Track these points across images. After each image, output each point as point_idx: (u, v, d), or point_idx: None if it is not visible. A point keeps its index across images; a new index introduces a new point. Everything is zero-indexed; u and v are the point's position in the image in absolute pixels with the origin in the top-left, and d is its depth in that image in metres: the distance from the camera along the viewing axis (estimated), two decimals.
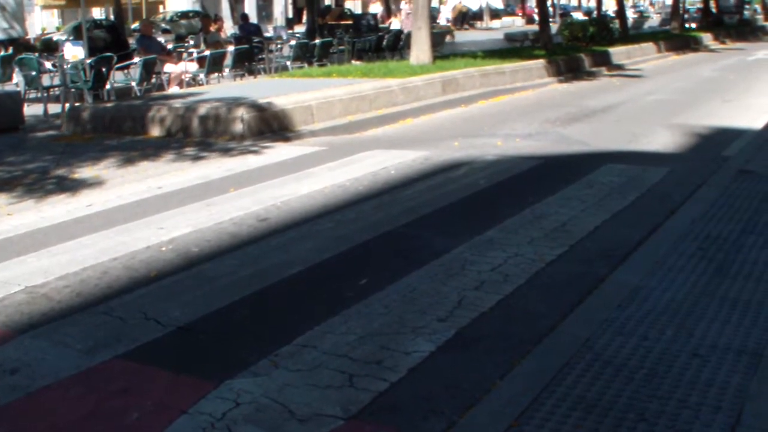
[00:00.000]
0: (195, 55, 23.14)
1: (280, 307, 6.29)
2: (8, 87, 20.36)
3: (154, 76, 20.84)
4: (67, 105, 18.18)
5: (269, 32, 33.55)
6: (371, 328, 5.73)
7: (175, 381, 5.08)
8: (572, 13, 67.92)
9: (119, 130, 15.23)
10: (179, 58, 22.59)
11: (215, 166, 11.89)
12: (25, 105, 18.16)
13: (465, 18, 71.33)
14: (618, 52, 30.85)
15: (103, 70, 19.24)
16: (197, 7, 60.63)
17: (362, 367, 5.13)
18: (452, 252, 7.46)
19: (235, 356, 5.35)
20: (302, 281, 6.90)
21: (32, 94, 20.11)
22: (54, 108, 18.68)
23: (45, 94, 19.45)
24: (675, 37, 41.75)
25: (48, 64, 21.04)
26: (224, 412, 4.60)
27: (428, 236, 8.02)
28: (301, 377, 5.02)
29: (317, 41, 27.72)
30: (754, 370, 4.73)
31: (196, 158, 12.58)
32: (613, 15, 45.86)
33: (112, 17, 31.63)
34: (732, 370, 4.73)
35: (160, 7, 64.17)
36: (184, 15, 55.90)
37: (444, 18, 66.47)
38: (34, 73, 19.33)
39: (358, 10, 69.29)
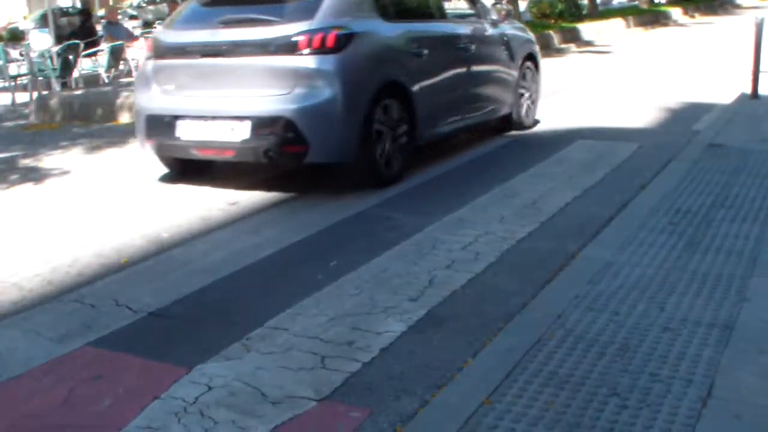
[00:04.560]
0: None
1: (251, 291, 6.27)
2: None
3: (122, 62, 20.73)
4: (35, 94, 18.10)
5: None
6: (342, 310, 5.72)
7: (147, 367, 5.05)
8: None
9: (88, 117, 15.17)
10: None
11: None
12: None
13: None
14: (587, 29, 30.91)
15: (71, 57, 19.12)
16: None
17: (334, 349, 5.12)
18: (423, 231, 7.46)
19: (207, 341, 5.33)
20: (273, 264, 6.88)
21: (0, 84, 20.00)
22: (22, 97, 18.61)
23: (12, 84, 19.34)
24: (644, 12, 41.80)
25: (15, 53, 20.91)
26: (197, 397, 4.59)
27: (399, 216, 8.01)
28: (272, 360, 5.00)
29: None
30: (725, 342, 4.74)
31: None
32: None
33: (78, 4, 31.42)
34: (703, 343, 4.74)
35: None
36: (151, 1, 55.57)
37: None
38: (1, 62, 19.20)
39: None
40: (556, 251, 6.81)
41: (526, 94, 12.47)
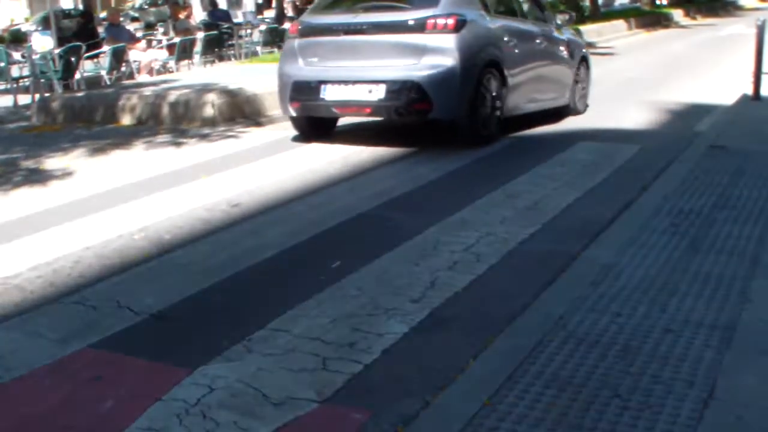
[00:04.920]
0: (164, 42, 23.05)
1: (252, 292, 6.27)
2: None
3: (123, 64, 20.74)
4: (37, 96, 18.09)
5: (238, 18, 33.44)
6: (344, 311, 5.72)
7: (149, 369, 5.05)
8: None
9: (90, 119, 15.16)
10: (149, 46, 22.49)
11: (187, 153, 11.85)
12: None
13: None
14: (589, 30, 30.93)
15: (73, 59, 19.13)
16: None
17: (335, 350, 5.12)
18: (424, 233, 7.46)
19: (209, 342, 5.33)
20: (275, 266, 6.88)
21: (1, 86, 20.00)
22: (24, 99, 18.58)
23: (14, 85, 19.33)
24: (646, 14, 41.85)
25: (17, 55, 20.92)
26: (198, 398, 4.59)
27: (400, 218, 8.01)
28: (274, 361, 5.00)
29: (287, 26, 27.62)
30: (727, 344, 4.74)
31: (168, 145, 12.53)
32: None
33: (80, 6, 31.46)
34: (705, 344, 4.74)
35: None
36: (153, 2, 55.61)
37: None
38: (2, 64, 19.21)
39: None
40: (558, 252, 6.81)
41: (580, 87, 14.42)
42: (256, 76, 16.60)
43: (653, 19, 40.68)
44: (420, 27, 10.85)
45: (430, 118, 11.02)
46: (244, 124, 13.98)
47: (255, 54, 25.51)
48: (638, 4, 49.29)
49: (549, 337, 4.90)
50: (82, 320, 5.82)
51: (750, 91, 13.99)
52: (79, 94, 16.72)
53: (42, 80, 19.30)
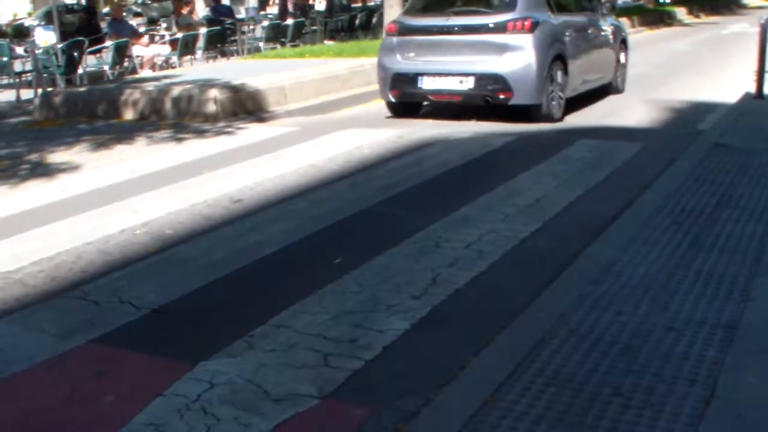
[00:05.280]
0: (167, 37, 23.05)
1: (254, 288, 6.28)
2: None
3: (126, 59, 20.73)
4: (40, 90, 18.09)
5: (241, 14, 33.43)
6: (345, 307, 5.72)
7: (150, 364, 5.06)
8: None
9: (92, 114, 15.16)
10: (151, 41, 22.48)
11: (189, 148, 11.85)
12: None
13: None
14: None
15: (75, 54, 19.13)
16: None
17: (337, 346, 5.12)
18: (426, 230, 7.45)
19: (210, 338, 5.33)
20: (276, 262, 6.88)
21: (4, 80, 20.02)
22: (27, 93, 18.58)
23: (17, 80, 19.32)
24: (649, 12, 41.80)
25: (19, 50, 20.91)
26: (199, 394, 4.59)
27: (402, 214, 8.01)
28: (275, 357, 5.00)
29: (289, 22, 27.62)
30: (729, 342, 4.73)
31: (170, 140, 12.54)
32: None
33: (83, 1, 31.45)
34: (707, 343, 4.73)
35: None
36: None
37: None
38: (5, 59, 19.19)
39: None
40: (560, 250, 6.81)
41: (621, 69, 16.47)
42: (259, 72, 16.59)
43: (656, 17, 40.64)
44: (501, 28, 12.90)
45: (511, 104, 12.89)
46: (246, 120, 13.98)
47: (257, 50, 25.50)
48: (641, 2, 49.20)
49: (550, 334, 4.90)
50: (83, 315, 5.83)
51: (753, 89, 13.97)
52: (82, 89, 16.72)
53: (45, 75, 19.31)
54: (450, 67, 13.23)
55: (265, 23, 28.04)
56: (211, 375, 4.81)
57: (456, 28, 13.32)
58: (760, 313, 5.11)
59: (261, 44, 25.93)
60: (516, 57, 12.74)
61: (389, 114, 14.37)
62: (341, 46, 22.62)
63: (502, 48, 12.82)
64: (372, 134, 12.32)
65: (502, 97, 12.85)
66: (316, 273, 6.48)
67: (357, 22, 30.84)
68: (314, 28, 29.82)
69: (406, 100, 14.05)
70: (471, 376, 4.53)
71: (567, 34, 13.70)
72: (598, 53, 15.19)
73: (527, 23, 12.79)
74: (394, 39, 13.99)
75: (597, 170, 9.51)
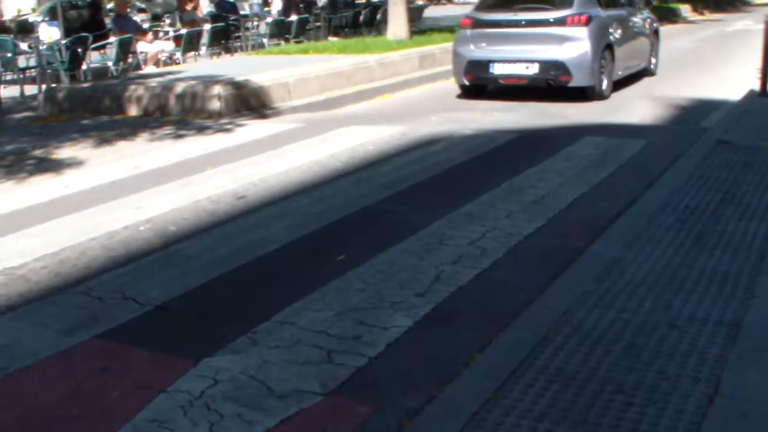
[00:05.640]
0: (171, 33, 23.03)
1: (258, 285, 6.28)
2: None
3: (130, 55, 20.72)
4: (44, 86, 18.05)
5: (245, 10, 33.40)
6: (349, 304, 5.73)
7: (153, 360, 5.06)
8: None
9: (96, 110, 15.15)
10: (155, 37, 22.47)
11: (193, 145, 11.85)
12: (2, 87, 18.08)
13: None
14: None
15: (79, 50, 19.11)
16: None
17: (340, 343, 5.12)
18: (430, 227, 7.46)
19: (214, 334, 5.33)
20: (280, 258, 6.89)
21: (8, 76, 19.96)
22: (31, 89, 18.57)
23: (21, 76, 19.30)
24: (653, 9, 41.66)
25: (24, 46, 20.90)
26: (203, 390, 4.59)
27: (406, 211, 8.01)
28: (279, 354, 5.01)
29: (293, 18, 27.60)
30: (733, 340, 4.73)
31: (174, 137, 12.54)
32: None
33: None
34: (710, 341, 4.73)
35: None
36: None
37: None
38: (9, 54, 19.17)
39: None
40: (563, 247, 6.81)
41: (654, 56, 19.04)
42: (262, 68, 16.58)
43: (661, 14, 40.34)
44: (561, 22, 15.01)
45: (570, 86, 14.99)
46: (250, 117, 13.98)
47: (262, 46, 25.48)
48: None
49: (554, 332, 4.90)
50: (87, 311, 5.83)
51: (757, 86, 13.96)
52: (86, 85, 16.71)
53: (49, 71, 19.29)
54: (517, 55, 15.35)
55: (269, 19, 28.02)
56: (215, 371, 4.81)
57: (522, 22, 15.40)
58: (764, 311, 5.11)
59: (265, 40, 25.90)
60: (574, 46, 14.85)
61: (460, 93, 16.35)
62: (345, 43, 22.63)
63: (562, 39, 14.96)
64: (376, 131, 12.32)
65: (562, 80, 15.01)
66: (320, 270, 6.48)
67: (361, 18, 30.80)
68: (318, 24, 29.78)
69: (479, 83, 16.13)
70: (474, 373, 4.53)
71: (613, 26, 15.92)
72: (637, 42, 17.55)
73: (583, 18, 14.92)
74: (468, 31, 16.09)
75: (601, 167, 9.51)
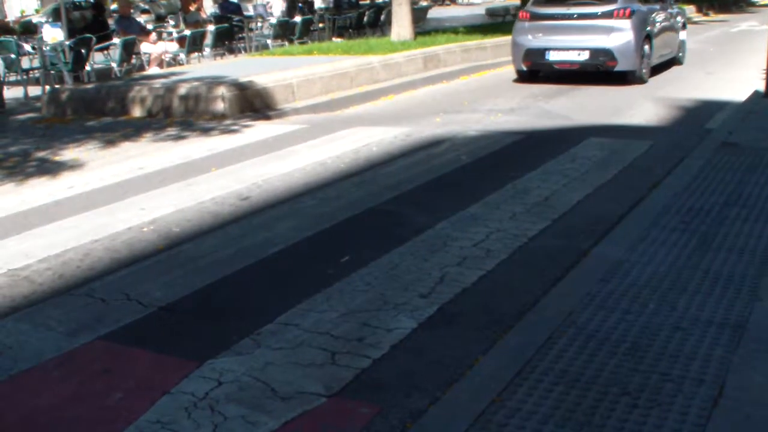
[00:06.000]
0: (175, 35, 23.04)
1: (261, 286, 6.28)
2: None
3: (134, 56, 20.73)
4: (47, 87, 18.10)
5: (249, 11, 33.41)
6: (353, 306, 5.72)
7: (157, 361, 5.06)
8: None
9: (100, 111, 15.17)
10: (159, 38, 22.48)
11: (197, 146, 11.85)
12: (5, 88, 18.07)
13: None
14: None
15: (83, 51, 19.12)
16: None
17: (344, 345, 5.12)
18: (434, 228, 7.46)
19: (218, 336, 5.33)
20: (284, 259, 6.88)
21: (12, 77, 20.00)
22: (34, 90, 18.61)
23: (25, 77, 19.33)
24: None
25: (27, 47, 20.92)
26: (207, 392, 4.59)
27: (410, 213, 8.01)
28: (283, 355, 5.00)
29: (297, 19, 27.60)
30: (737, 342, 4.72)
31: (178, 138, 12.54)
32: None
33: None
34: (714, 342, 4.73)
35: None
36: None
37: None
38: (13, 56, 19.18)
39: None
40: (568, 249, 6.80)
41: (682, 46, 21.33)
42: (266, 69, 16.58)
43: None
44: (608, 15, 17.25)
45: (615, 70, 17.24)
46: (254, 118, 13.98)
47: (265, 47, 25.48)
48: None
49: (558, 333, 4.90)
50: (91, 313, 5.83)
51: (762, 88, 13.95)
52: (90, 86, 16.72)
53: (52, 72, 19.32)
54: (570, 43, 17.55)
55: (273, 20, 28.02)
56: (219, 373, 4.81)
57: (574, 15, 17.67)
58: None
59: (269, 41, 25.91)
60: (619, 36, 17.07)
61: (516, 78, 18.74)
62: (349, 44, 22.63)
63: (609, 29, 17.14)
64: (380, 132, 12.32)
65: (609, 65, 17.23)
66: (324, 271, 6.48)
67: (365, 19, 30.82)
68: (322, 25, 29.80)
69: (535, 68, 18.41)
70: (478, 374, 4.52)
71: (651, 19, 18.16)
72: (669, 34, 19.83)
73: (627, 11, 17.19)
74: (526, 23, 18.33)
75: (605, 169, 9.50)
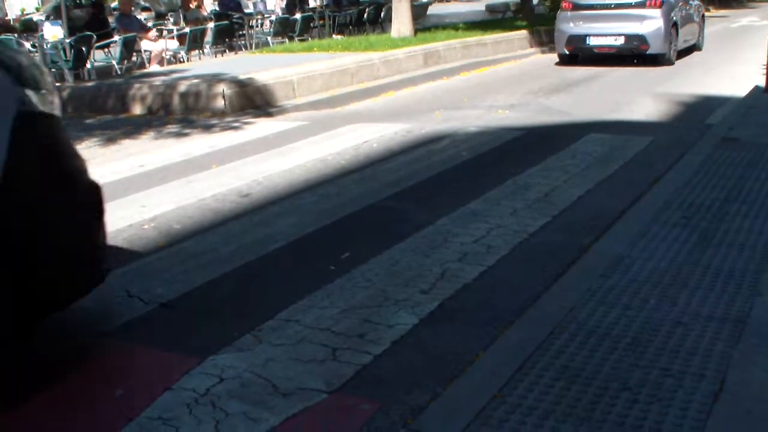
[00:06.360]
0: (175, 32, 23.05)
1: (262, 283, 6.27)
2: None
3: (134, 54, 20.74)
4: None
5: (249, 8, 33.41)
6: (354, 302, 5.72)
7: (158, 358, 5.06)
8: None
9: (100, 109, 15.20)
10: (159, 36, 22.49)
11: (197, 143, 11.86)
12: None
13: None
14: None
15: (83, 49, 19.13)
16: None
17: (345, 341, 5.12)
18: (435, 224, 7.46)
19: (219, 332, 5.33)
20: (284, 256, 6.88)
21: None
22: None
23: None
24: None
25: (28, 45, 20.92)
26: (208, 388, 4.59)
27: (410, 209, 8.01)
28: (284, 352, 5.01)
29: (298, 16, 27.60)
30: (738, 337, 4.72)
31: (178, 135, 12.55)
32: None
33: None
34: (715, 338, 4.73)
35: None
36: None
37: None
38: None
39: None
40: (569, 245, 6.80)
41: (701, 35, 24.04)
42: (267, 66, 16.59)
43: None
44: (641, 5, 19.90)
45: (647, 53, 19.87)
46: (254, 115, 13.99)
47: (266, 44, 25.50)
48: None
49: (559, 329, 4.90)
50: (91, 309, 5.82)
51: (762, 83, 13.94)
52: (90, 84, 16.74)
53: (53, 70, 19.30)
54: (608, 30, 20.12)
55: (273, 17, 28.02)
56: (220, 369, 4.81)
57: (611, 5, 20.24)
58: None
59: (269, 38, 25.91)
60: (651, 23, 19.71)
61: (558, 62, 21.53)
62: (349, 41, 22.65)
63: (642, 18, 19.80)
64: (380, 128, 12.32)
65: (642, 48, 19.84)
66: (325, 267, 6.48)
67: (365, 16, 30.83)
68: (321, 22, 29.80)
69: (576, 52, 20.92)
70: (479, 370, 4.52)
71: (677, 9, 20.67)
72: (691, 23, 22.44)
73: (658, 2, 19.77)
74: (568, 13, 20.89)
75: (606, 164, 9.50)
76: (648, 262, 5.95)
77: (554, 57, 21.83)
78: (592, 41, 20.39)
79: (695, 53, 22.48)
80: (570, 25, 20.78)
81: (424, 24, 29.76)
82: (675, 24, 20.39)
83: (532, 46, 24.59)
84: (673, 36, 20.27)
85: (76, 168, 5.15)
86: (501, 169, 9.45)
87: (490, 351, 4.79)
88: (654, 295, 5.34)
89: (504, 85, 17.11)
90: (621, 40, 20.02)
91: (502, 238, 7.01)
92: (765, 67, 13.95)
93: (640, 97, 14.78)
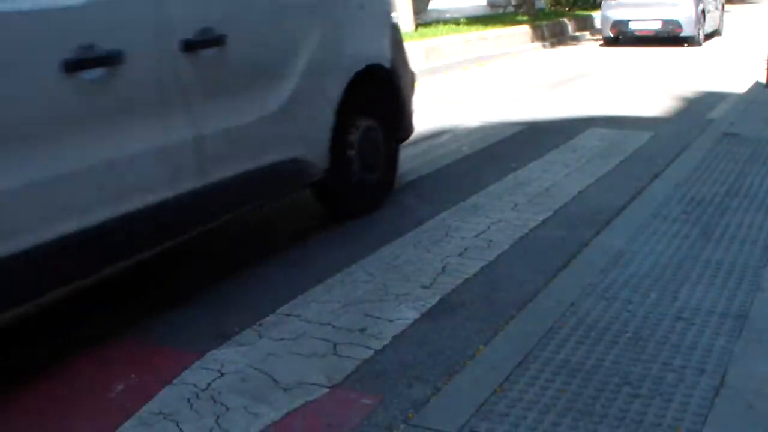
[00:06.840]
0: None
1: (263, 277, 6.27)
2: None
3: None
4: None
5: None
6: (355, 296, 5.72)
7: (158, 352, 5.06)
8: None
9: None
10: None
11: None
12: None
13: None
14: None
15: None
16: None
17: (346, 336, 5.12)
18: (436, 219, 7.45)
19: (219, 327, 5.33)
20: (285, 251, 6.87)
21: None
22: None
23: None
24: None
25: None
26: (208, 383, 4.59)
27: (411, 203, 8.00)
28: (284, 346, 5.01)
29: None
30: (739, 332, 4.72)
31: None
32: None
33: None
34: (716, 332, 4.73)
35: None
36: None
37: None
38: None
39: None
40: (569, 239, 6.81)
41: (722, 22, 28.00)
42: None
43: None
44: None
45: (681, 36, 23.24)
46: None
47: None
48: None
49: (560, 323, 4.90)
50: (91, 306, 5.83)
51: (763, 78, 13.95)
52: None
53: None
54: (647, 16, 23.59)
55: None
56: (221, 364, 4.81)
57: None
58: None
59: None
60: (684, 9, 23.12)
61: (602, 44, 25.15)
62: None
63: (676, 5, 23.18)
64: None
65: (677, 31, 23.14)
66: (326, 262, 6.48)
67: None
68: None
69: (620, 36, 24.28)
70: (480, 365, 4.52)
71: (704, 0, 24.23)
72: (715, 12, 26.30)
73: None
74: (612, 1, 24.21)
75: (607, 159, 9.50)
76: (649, 256, 5.96)
77: (555, 52, 21.90)
78: (633, 26, 23.91)
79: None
80: (614, 11, 24.28)
81: (425, 19, 29.69)
82: (703, 11, 23.93)
83: (533, 41, 24.57)
84: (701, 22, 23.78)
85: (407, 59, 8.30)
86: (502, 163, 9.45)
87: (490, 345, 4.79)
88: (655, 290, 5.35)
89: (505, 80, 17.12)
90: (658, 25, 23.50)
91: (503, 233, 7.01)
92: (766, 62, 13.96)
93: (640, 92, 14.78)
